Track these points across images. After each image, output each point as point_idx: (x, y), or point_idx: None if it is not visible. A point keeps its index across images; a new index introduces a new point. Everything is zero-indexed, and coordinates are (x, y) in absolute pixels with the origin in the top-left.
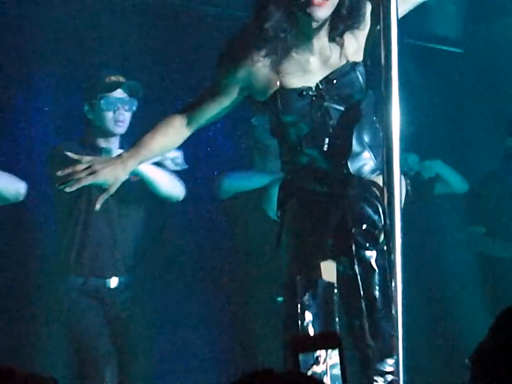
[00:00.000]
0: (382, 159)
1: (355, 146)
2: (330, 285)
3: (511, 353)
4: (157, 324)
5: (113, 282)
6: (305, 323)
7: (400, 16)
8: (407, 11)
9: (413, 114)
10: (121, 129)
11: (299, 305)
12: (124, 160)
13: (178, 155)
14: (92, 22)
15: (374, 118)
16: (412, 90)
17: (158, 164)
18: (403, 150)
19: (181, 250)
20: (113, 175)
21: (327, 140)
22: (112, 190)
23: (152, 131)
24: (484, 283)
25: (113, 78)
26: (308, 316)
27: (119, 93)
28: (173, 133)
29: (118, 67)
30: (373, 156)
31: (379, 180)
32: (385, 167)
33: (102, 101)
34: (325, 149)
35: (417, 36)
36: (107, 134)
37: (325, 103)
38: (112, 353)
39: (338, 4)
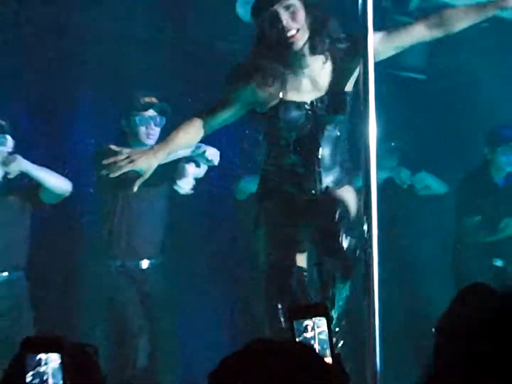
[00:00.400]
0: (362, 169)
1: (329, 161)
2: (302, 269)
3: (470, 322)
4: (183, 301)
5: (145, 264)
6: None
7: (383, 57)
8: (388, 55)
9: (390, 132)
10: (152, 141)
11: (277, 287)
12: (155, 151)
13: (206, 150)
14: (129, 54)
15: (346, 141)
16: (387, 112)
17: (191, 159)
18: (396, 165)
19: (203, 238)
20: (147, 163)
21: (308, 148)
22: (147, 176)
23: (177, 129)
24: (459, 267)
25: (146, 99)
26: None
27: (151, 112)
28: (193, 132)
29: (151, 90)
30: (343, 171)
31: (346, 190)
32: (364, 175)
33: (137, 118)
34: (305, 157)
35: (390, 66)
36: (140, 144)
37: (316, 118)
38: (144, 326)
39: (311, 32)
